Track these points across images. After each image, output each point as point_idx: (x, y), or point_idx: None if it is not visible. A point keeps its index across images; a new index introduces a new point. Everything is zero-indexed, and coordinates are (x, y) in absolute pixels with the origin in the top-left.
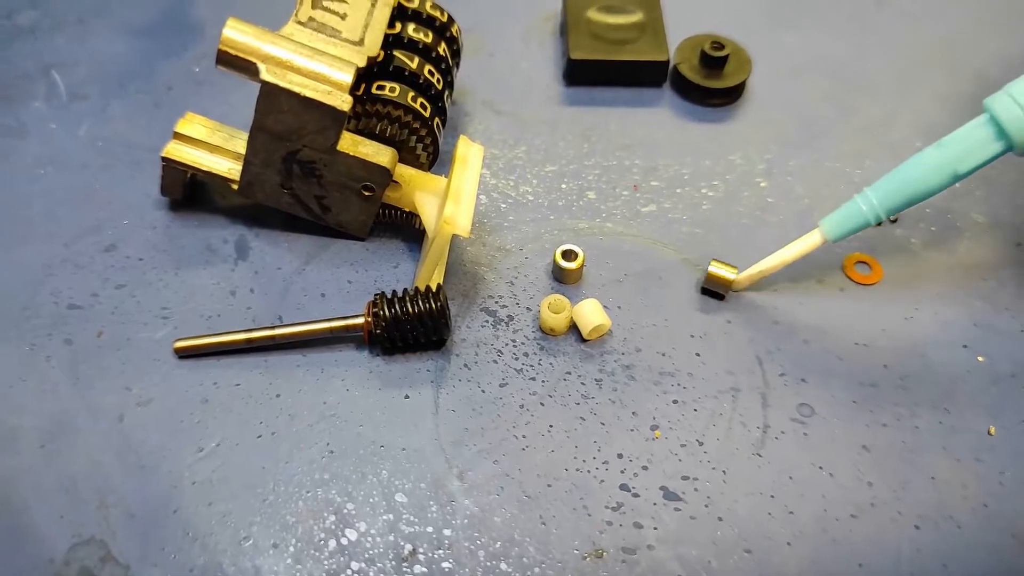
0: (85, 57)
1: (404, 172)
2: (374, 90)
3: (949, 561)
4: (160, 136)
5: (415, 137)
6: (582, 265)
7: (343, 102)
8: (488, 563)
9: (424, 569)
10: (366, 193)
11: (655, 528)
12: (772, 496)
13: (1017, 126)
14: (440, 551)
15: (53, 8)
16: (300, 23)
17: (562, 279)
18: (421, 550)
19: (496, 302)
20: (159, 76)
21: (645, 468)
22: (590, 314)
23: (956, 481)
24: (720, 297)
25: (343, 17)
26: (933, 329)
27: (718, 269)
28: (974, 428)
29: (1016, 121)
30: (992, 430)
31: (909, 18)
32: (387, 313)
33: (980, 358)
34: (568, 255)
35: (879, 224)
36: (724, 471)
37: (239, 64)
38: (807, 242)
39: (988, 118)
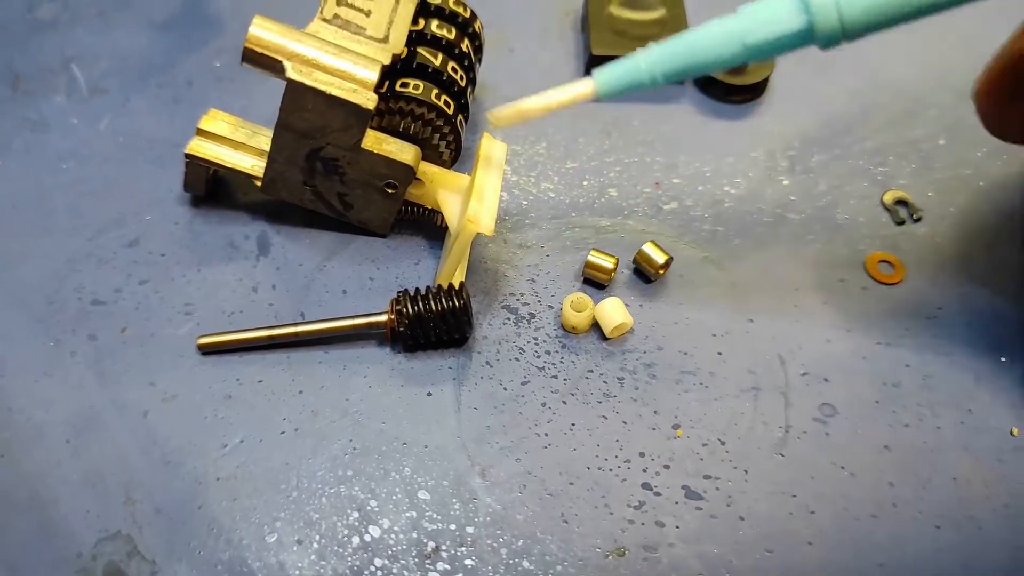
0: (105, 51)
1: (427, 169)
2: (398, 87)
3: (970, 561)
4: (181, 131)
5: (438, 135)
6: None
7: (368, 100)
8: (510, 560)
9: (447, 566)
10: (389, 190)
11: (677, 527)
12: (793, 495)
13: (821, 3)
14: (463, 548)
15: (73, 1)
16: (325, 20)
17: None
18: (444, 547)
19: (518, 299)
20: (180, 70)
21: (667, 467)
22: (612, 312)
23: (978, 481)
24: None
25: (368, 14)
26: (956, 329)
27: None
28: (997, 428)
29: None
30: (1015, 431)
31: None
32: (410, 310)
33: (1003, 358)
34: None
35: (655, 86)
36: (745, 470)
37: (265, 62)
38: (577, 89)
39: None
